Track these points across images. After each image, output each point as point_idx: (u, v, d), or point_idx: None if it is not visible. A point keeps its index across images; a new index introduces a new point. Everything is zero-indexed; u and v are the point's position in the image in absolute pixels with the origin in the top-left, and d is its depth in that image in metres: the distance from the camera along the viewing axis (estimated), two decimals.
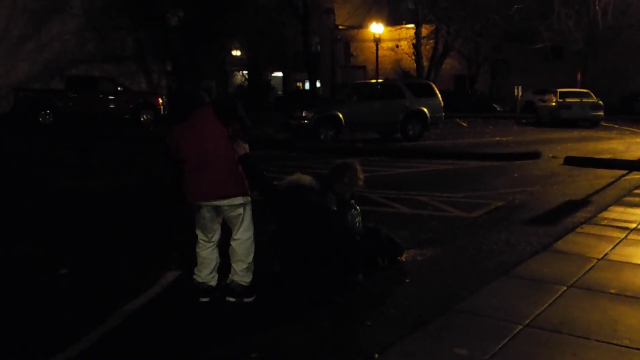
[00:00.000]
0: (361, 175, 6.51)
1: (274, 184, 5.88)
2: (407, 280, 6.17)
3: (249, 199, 5.54)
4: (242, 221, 5.51)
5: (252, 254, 5.60)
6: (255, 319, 5.14)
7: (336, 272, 5.57)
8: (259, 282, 5.74)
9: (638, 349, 4.34)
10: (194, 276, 5.66)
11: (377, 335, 4.73)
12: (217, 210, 5.48)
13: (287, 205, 5.73)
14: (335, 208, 6.04)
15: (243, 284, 5.53)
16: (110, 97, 27.77)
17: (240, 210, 5.47)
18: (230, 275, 5.59)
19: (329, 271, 5.50)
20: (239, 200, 5.43)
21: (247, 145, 5.49)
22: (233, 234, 5.57)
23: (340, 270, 5.63)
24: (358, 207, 6.55)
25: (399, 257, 6.74)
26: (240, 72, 50.20)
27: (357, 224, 6.44)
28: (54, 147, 18.89)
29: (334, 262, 5.54)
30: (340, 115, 20.50)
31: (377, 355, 4.27)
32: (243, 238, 5.54)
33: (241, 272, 5.53)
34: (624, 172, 13.61)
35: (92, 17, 31.85)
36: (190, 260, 5.82)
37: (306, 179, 5.97)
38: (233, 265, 5.57)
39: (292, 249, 5.62)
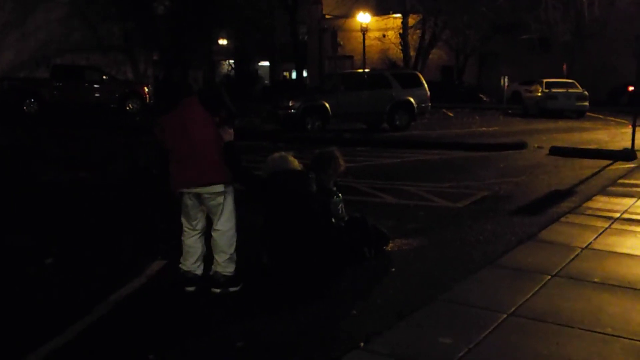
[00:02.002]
0: (342, 162, 6.55)
1: (254, 175, 5.85)
2: (393, 270, 6.20)
3: (231, 188, 5.53)
4: (223, 211, 5.49)
5: (234, 245, 5.59)
6: (241, 309, 5.14)
7: (323, 260, 5.59)
8: (246, 271, 5.75)
9: (620, 337, 4.39)
10: (180, 265, 5.66)
11: (362, 324, 4.75)
12: (199, 198, 5.47)
13: (269, 195, 5.71)
14: (315, 187, 5.99)
15: (227, 274, 5.53)
16: (96, 87, 27.58)
17: (221, 199, 5.45)
18: (213, 266, 5.59)
19: (316, 260, 5.52)
20: (219, 188, 5.41)
21: (232, 131, 5.49)
22: (214, 225, 5.55)
23: (327, 258, 5.64)
24: (340, 195, 6.56)
25: (385, 247, 6.76)
26: (227, 61, 50.05)
27: (340, 211, 6.46)
28: (40, 137, 18.76)
29: (320, 250, 5.56)
30: (327, 106, 20.47)
31: (362, 344, 4.29)
32: (224, 229, 5.52)
33: (223, 263, 5.53)
34: (609, 162, 13.72)
35: (78, 6, 31.58)
36: (177, 251, 5.82)
37: (287, 159, 5.96)
38: (215, 256, 5.57)
39: (278, 239, 5.63)
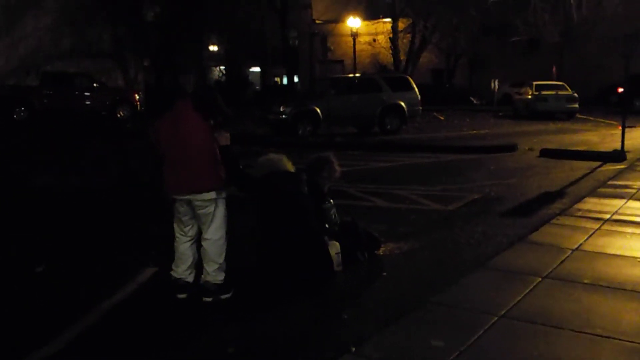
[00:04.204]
0: (338, 167, 6.55)
1: (250, 176, 5.84)
2: (385, 274, 6.20)
3: (223, 195, 5.50)
4: (213, 220, 5.46)
5: (224, 254, 5.55)
6: (232, 314, 5.14)
7: (315, 261, 5.59)
8: (238, 275, 5.75)
9: (611, 337, 4.40)
10: (172, 272, 5.64)
11: (354, 328, 4.75)
12: (190, 204, 5.46)
13: (263, 196, 5.70)
14: (307, 189, 5.99)
15: (217, 282, 5.51)
16: (87, 94, 27.49)
17: (211, 208, 5.42)
18: (202, 276, 5.56)
19: (308, 260, 5.51)
20: (211, 195, 5.38)
21: (228, 135, 5.47)
22: (203, 234, 5.52)
23: (318, 259, 5.64)
24: (332, 200, 6.56)
25: (376, 251, 6.77)
26: (218, 67, 49.99)
27: (333, 216, 6.46)
28: (30, 145, 18.69)
29: (312, 250, 5.57)
30: (318, 110, 20.48)
31: (353, 349, 4.29)
32: (214, 238, 5.48)
33: (213, 273, 5.50)
34: (599, 163, 13.77)
35: (67, 13, 31.47)
36: (168, 257, 5.80)
37: (282, 161, 5.96)
38: (205, 265, 5.54)
39: (271, 241, 5.62)
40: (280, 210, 5.65)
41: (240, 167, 5.67)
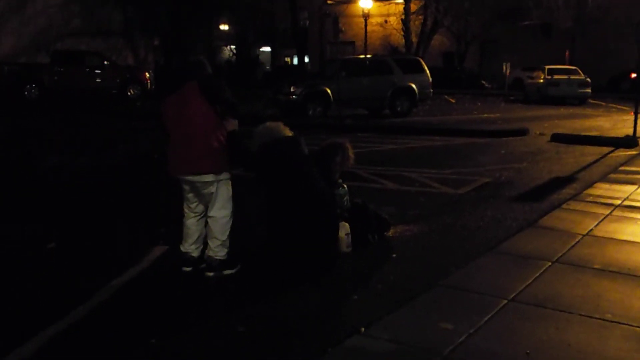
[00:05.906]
0: (352, 154, 6.53)
1: (252, 153, 5.78)
2: (394, 256, 6.21)
3: (224, 176, 5.52)
4: (216, 199, 5.52)
5: (228, 232, 5.61)
6: (242, 294, 5.16)
7: (323, 238, 5.58)
8: (247, 254, 5.79)
9: (620, 323, 4.41)
10: (180, 246, 5.76)
11: (363, 310, 4.76)
12: (192, 184, 5.50)
13: (266, 167, 5.67)
14: (307, 150, 5.96)
15: (219, 258, 5.58)
16: (97, 72, 27.47)
17: (212, 188, 5.48)
18: (206, 251, 5.65)
19: (316, 237, 5.51)
20: (209, 177, 5.43)
21: (236, 122, 5.50)
22: (208, 211, 5.60)
23: (327, 235, 5.64)
24: (345, 186, 6.54)
25: (386, 233, 6.77)
26: (228, 47, 49.91)
27: (345, 202, 6.45)
28: (40, 123, 18.74)
29: (322, 214, 5.56)
30: (329, 91, 20.40)
31: (363, 329, 4.31)
32: (218, 216, 5.55)
33: (215, 249, 5.58)
34: (610, 149, 13.71)
35: None
36: (178, 236, 5.84)
37: (279, 128, 5.92)
38: (209, 241, 5.64)
39: (277, 216, 5.61)
40: (285, 178, 5.61)
41: (245, 148, 5.65)
